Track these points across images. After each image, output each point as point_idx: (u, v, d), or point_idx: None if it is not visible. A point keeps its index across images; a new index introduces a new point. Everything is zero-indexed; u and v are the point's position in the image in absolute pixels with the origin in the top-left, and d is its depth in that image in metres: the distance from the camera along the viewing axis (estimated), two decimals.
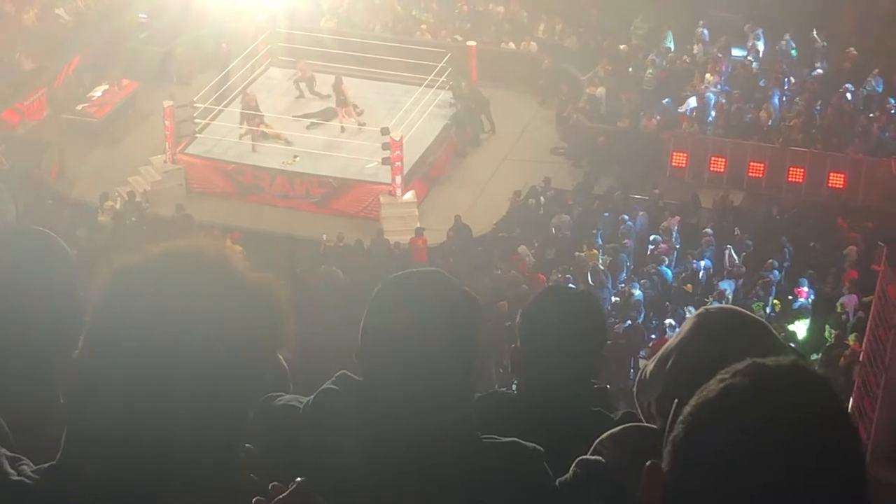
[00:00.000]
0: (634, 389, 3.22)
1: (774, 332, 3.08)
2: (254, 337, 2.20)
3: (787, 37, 33.17)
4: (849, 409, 1.87)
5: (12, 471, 2.21)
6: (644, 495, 1.95)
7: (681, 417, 1.92)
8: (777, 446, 1.81)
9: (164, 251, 2.21)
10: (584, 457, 3.20)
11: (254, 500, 2.37)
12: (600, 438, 3.20)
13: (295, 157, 30.83)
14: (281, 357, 4.12)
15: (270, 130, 31.38)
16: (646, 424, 3.15)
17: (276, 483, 2.46)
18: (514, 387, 4.55)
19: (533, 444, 3.20)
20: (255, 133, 31.28)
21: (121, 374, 2.13)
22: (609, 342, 21.52)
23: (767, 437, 1.82)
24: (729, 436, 1.84)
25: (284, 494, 2.45)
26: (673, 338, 3.12)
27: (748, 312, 3.12)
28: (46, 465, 2.23)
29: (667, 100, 32.03)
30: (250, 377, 2.22)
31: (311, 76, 32.71)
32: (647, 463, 1.95)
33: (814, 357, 23.11)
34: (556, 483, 3.21)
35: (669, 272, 26.37)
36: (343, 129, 31.56)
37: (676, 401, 2.00)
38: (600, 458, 3.17)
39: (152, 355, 2.12)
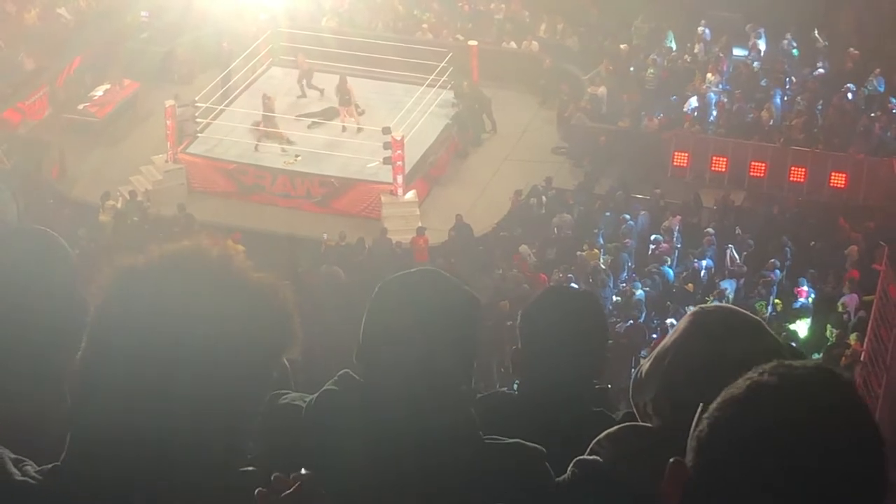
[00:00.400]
0: (630, 389, 3.21)
1: (771, 331, 3.07)
2: (255, 337, 2.19)
3: (788, 36, 33.16)
4: (871, 410, 1.90)
5: (16, 471, 2.21)
6: (666, 491, 1.96)
7: (706, 414, 1.94)
8: (802, 443, 1.83)
9: (165, 252, 2.22)
10: (582, 457, 3.20)
11: (256, 491, 2.36)
12: (597, 438, 3.19)
13: (297, 156, 30.83)
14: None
15: (275, 131, 31.39)
16: (643, 424, 3.14)
17: (279, 475, 2.41)
18: (515, 387, 4.54)
19: (535, 445, 3.19)
20: (264, 133, 31.27)
21: (122, 374, 2.13)
22: (610, 342, 21.53)
23: (793, 434, 1.84)
24: (754, 433, 1.86)
25: (291, 490, 2.41)
26: (668, 337, 3.11)
27: (745, 311, 3.11)
28: (50, 465, 2.23)
29: (674, 97, 32.06)
30: (252, 377, 2.22)
31: (309, 69, 32.67)
32: (671, 460, 1.97)
33: (815, 356, 23.10)
34: (555, 483, 3.21)
35: (671, 272, 26.36)
36: (344, 128, 31.58)
37: (702, 405, 2.00)
38: (598, 457, 3.16)
39: (153, 355, 2.12)
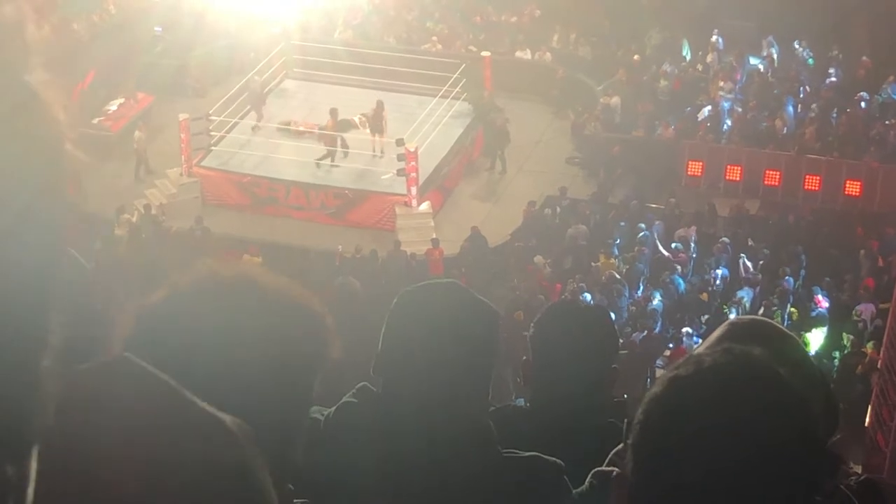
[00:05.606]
0: None
1: (804, 346, 3.06)
2: (298, 355, 2.13)
3: (803, 44, 33.10)
4: (791, 383, 1.91)
5: None
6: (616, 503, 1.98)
7: (635, 417, 1.95)
8: (724, 427, 1.83)
9: (188, 280, 2.14)
10: (601, 468, 3.19)
11: None
12: (616, 450, 3.18)
13: (329, 162, 30.86)
14: None
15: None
16: None
17: None
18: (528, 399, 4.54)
19: (553, 459, 3.18)
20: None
21: None
22: (625, 352, 21.53)
23: (713, 418, 1.84)
24: (677, 424, 1.86)
25: None
26: (700, 346, 3.10)
27: (778, 325, 3.10)
28: None
29: (689, 108, 32.04)
30: (297, 398, 2.17)
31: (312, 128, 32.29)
32: (613, 474, 1.99)
33: (835, 363, 23.04)
34: (572, 497, 3.20)
35: (682, 282, 26.27)
36: (379, 152, 31.45)
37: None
38: (616, 469, 3.15)
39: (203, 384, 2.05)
